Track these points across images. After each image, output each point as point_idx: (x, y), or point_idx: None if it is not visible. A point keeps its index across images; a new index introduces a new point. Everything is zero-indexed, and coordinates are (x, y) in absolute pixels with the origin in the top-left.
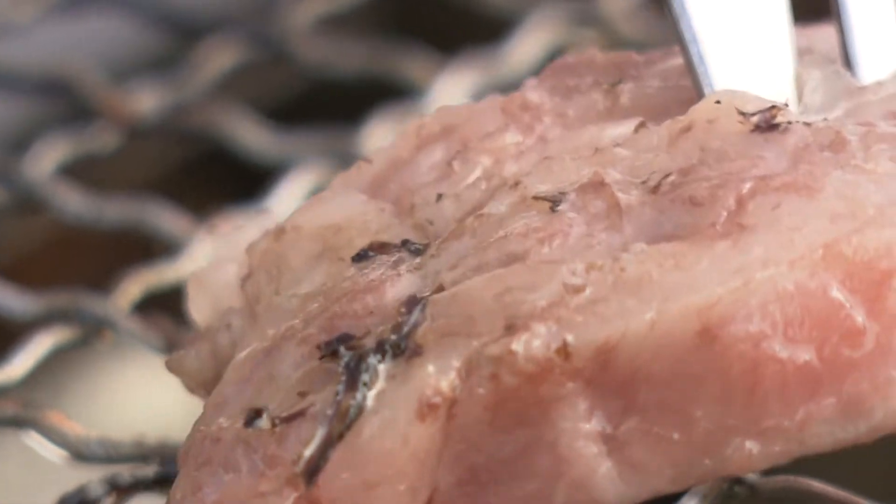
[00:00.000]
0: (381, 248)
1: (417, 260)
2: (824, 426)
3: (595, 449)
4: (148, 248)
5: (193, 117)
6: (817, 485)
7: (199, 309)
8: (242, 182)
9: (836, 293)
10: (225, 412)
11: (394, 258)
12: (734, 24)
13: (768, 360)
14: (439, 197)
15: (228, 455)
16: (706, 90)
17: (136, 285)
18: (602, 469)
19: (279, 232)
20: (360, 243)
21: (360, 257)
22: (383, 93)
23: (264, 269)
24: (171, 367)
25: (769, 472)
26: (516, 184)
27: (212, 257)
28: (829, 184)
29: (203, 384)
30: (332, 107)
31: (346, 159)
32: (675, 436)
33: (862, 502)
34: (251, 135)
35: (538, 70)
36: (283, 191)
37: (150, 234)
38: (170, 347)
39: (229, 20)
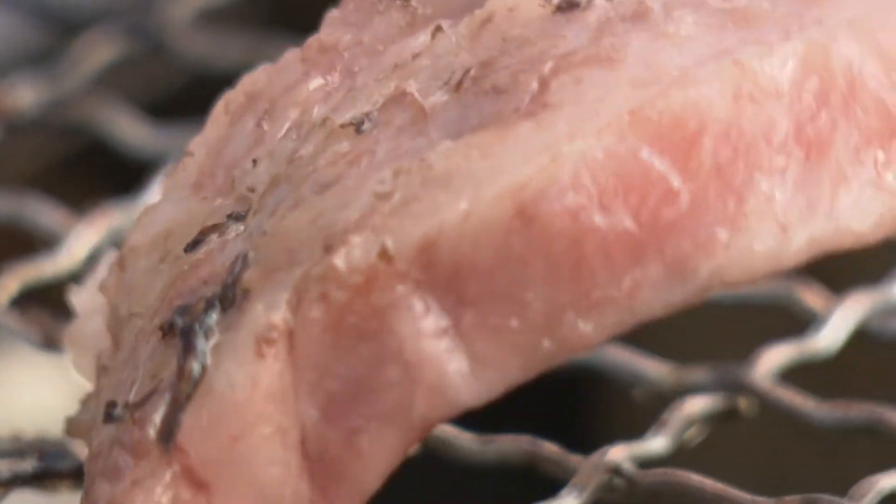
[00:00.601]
0: (210, 230)
1: (241, 225)
2: (652, 291)
3: (441, 347)
4: (29, 243)
5: (72, 112)
6: (695, 477)
7: (83, 369)
8: (121, 176)
9: (647, 156)
10: (96, 430)
11: (221, 232)
12: None
13: (588, 231)
14: (255, 162)
15: (106, 462)
16: None
17: (13, 280)
18: (452, 367)
19: (120, 260)
20: (191, 236)
21: (192, 245)
22: None
23: (117, 299)
24: (70, 432)
25: (647, 464)
26: (324, 121)
27: (76, 316)
28: (631, 53)
29: None
30: (211, 101)
31: None
32: (513, 323)
33: (738, 494)
34: (130, 129)
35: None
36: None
37: (28, 228)
38: (48, 343)
39: (108, 14)
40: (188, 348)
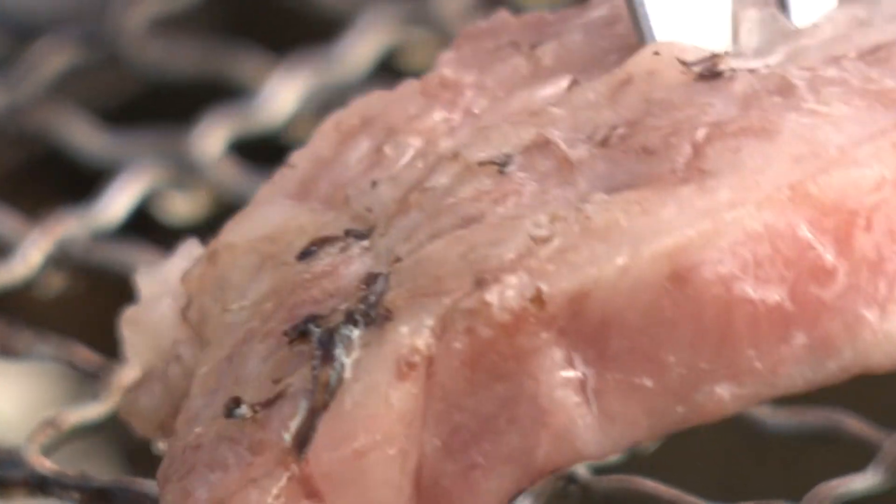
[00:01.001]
0: (323, 242)
1: (365, 243)
2: (796, 367)
3: (575, 398)
4: None
5: (27, 119)
6: (650, 483)
7: (137, 351)
8: (76, 183)
9: (805, 233)
10: (199, 422)
11: (340, 246)
12: None
13: (740, 301)
14: (374, 184)
15: (213, 455)
16: (648, 37)
17: None
18: (583, 419)
19: (212, 255)
20: (301, 244)
21: (305, 255)
22: (216, 94)
23: (206, 293)
24: (124, 412)
25: (602, 470)
26: (455, 155)
27: (140, 297)
28: (787, 126)
29: (160, 425)
30: (165, 108)
31: (179, 160)
32: (649, 383)
33: (694, 500)
34: (85, 136)
35: (372, 71)
36: (116, 192)
37: None
38: (3, 350)
39: (63, 21)
40: (327, 358)
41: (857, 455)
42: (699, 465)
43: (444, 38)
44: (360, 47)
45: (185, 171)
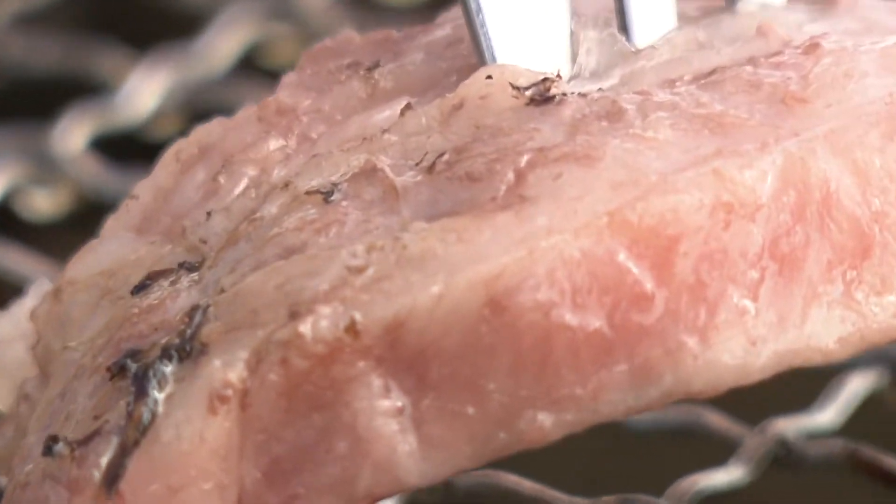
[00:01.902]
0: (158, 275)
1: (195, 275)
2: (617, 393)
3: (394, 427)
4: None
5: None
6: (512, 478)
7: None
8: None
9: (623, 259)
10: (30, 460)
11: (171, 280)
12: None
13: (558, 328)
14: (209, 215)
15: (36, 493)
16: (489, 58)
17: None
18: (403, 447)
19: (56, 291)
20: (137, 278)
21: (139, 288)
22: (78, 90)
23: (49, 330)
24: None
25: None
26: (286, 185)
27: None
28: (609, 153)
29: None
30: (26, 104)
31: (40, 157)
32: (470, 410)
33: (555, 494)
34: None
35: (234, 67)
36: None
37: None
38: None
39: None
40: (140, 394)
41: (718, 450)
42: (561, 459)
43: (307, 33)
44: (222, 43)
45: (47, 168)
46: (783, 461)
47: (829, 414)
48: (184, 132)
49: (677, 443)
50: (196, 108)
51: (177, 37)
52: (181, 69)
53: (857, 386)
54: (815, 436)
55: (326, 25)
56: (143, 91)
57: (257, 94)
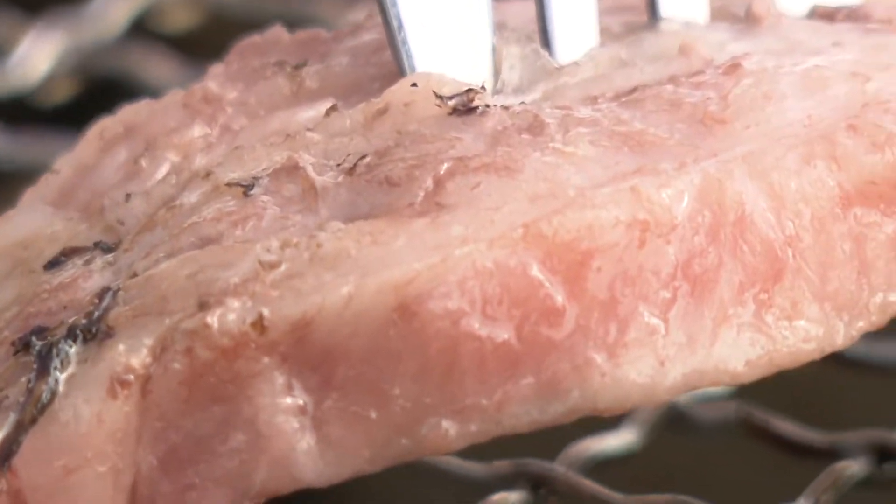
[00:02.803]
0: (72, 252)
1: (110, 257)
2: (522, 406)
3: (295, 425)
4: None
5: None
6: None
7: None
8: None
9: (536, 272)
10: None
11: (86, 258)
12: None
13: (466, 337)
14: (128, 196)
15: None
16: (408, 69)
17: None
18: (301, 446)
19: None
20: (51, 253)
21: (52, 264)
22: None
23: None
24: None
25: None
26: (208, 174)
27: None
28: (529, 165)
29: None
30: None
31: None
32: (373, 414)
33: (451, 460)
34: None
35: (126, 31)
36: None
37: None
38: None
39: None
40: (42, 372)
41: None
42: None
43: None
44: (115, 8)
45: None
46: (676, 425)
47: None
48: (76, 97)
49: None
50: (89, 72)
51: (69, 1)
52: (74, 33)
53: None
54: (709, 400)
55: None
56: (36, 55)
57: (150, 58)
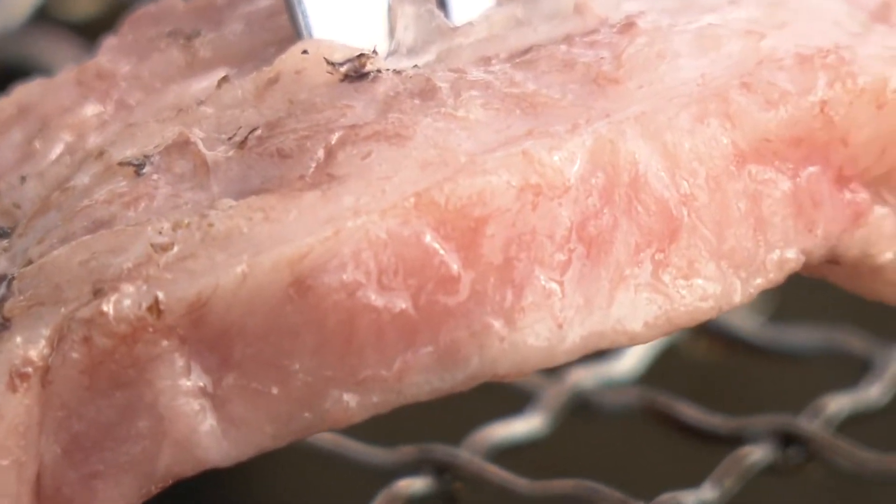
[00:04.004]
0: None
1: (5, 242)
2: (422, 375)
3: (196, 406)
4: None
5: None
6: None
7: None
8: None
9: (430, 241)
10: None
11: None
12: None
13: (363, 309)
14: (23, 179)
15: None
16: (305, 32)
17: None
18: (204, 426)
19: None
20: None
21: None
22: None
23: None
24: None
25: None
26: (101, 154)
27: None
28: (420, 132)
29: None
30: None
31: None
32: (274, 390)
33: (353, 445)
34: None
35: (30, 19)
36: None
37: None
38: None
39: None
40: None
41: (516, 399)
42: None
43: None
44: None
45: None
46: (581, 411)
47: (627, 363)
48: None
49: (475, 393)
50: None
51: None
52: None
53: None
54: (614, 386)
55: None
56: None
57: (55, 46)
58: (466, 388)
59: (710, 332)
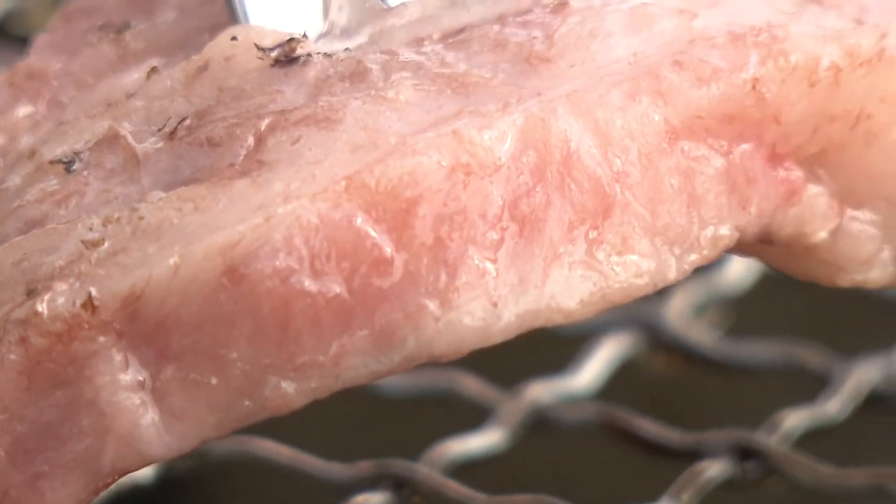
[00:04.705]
0: None
1: None
2: (359, 358)
3: (136, 400)
4: None
5: None
6: (268, 444)
7: None
8: None
9: (362, 223)
10: None
11: None
12: None
13: (297, 294)
14: None
15: None
16: (241, 16)
17: None
18: (146, 420)
19: None
20: None
21: None
22: None
23: None
24: None
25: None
26: (32, 153)
27: None
28: (349, 114)
29: None
30: None
31: None
32: (213, 380)
33: (311, 461)
34: None
35: None
36: None
37: None
38: None
39: None
40: None
41: (473, 414)
42: (314, 424)
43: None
44: None
45: None
46: (539, 426)
47: (584, 378)
48: None
49: (433, 407)
50: None
51: None
52: None
53: (613, 351)
54: (572, 400)
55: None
56: None
57: (10, 62)
58: (404, 370)
59: (667, 347)
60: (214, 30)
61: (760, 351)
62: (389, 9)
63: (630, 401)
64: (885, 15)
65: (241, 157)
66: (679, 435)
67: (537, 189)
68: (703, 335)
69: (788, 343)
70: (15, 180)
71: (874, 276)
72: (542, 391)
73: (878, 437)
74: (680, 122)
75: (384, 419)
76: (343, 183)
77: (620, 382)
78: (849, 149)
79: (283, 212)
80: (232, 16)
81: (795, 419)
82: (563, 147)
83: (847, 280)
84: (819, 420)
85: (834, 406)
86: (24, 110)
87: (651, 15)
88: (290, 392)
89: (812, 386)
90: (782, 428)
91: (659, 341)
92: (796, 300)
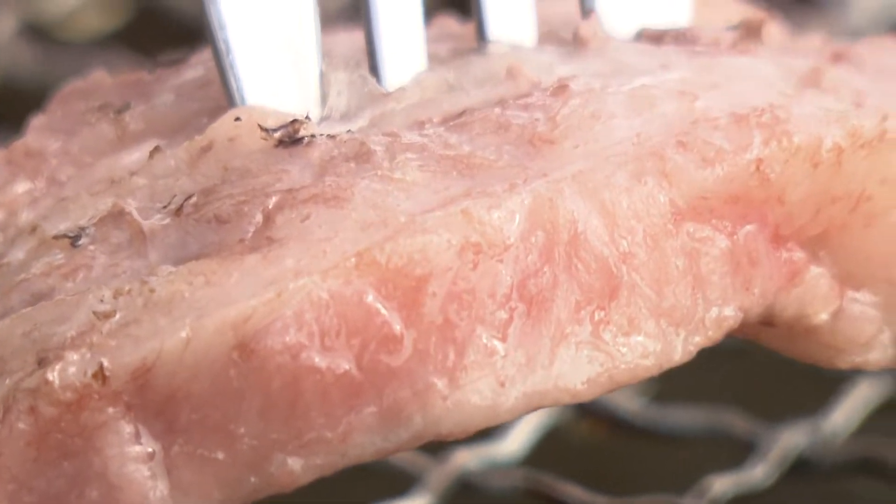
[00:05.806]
0: None
1: None
2: (366, 436)
3: (145, 473)
4: None
5: None
6: None
7: None
8: None
9: (372, 300)
10: None
11: None
12: (264, 28)
13: (307, 370)
14: None
15: None
16: (238, 100)
17: None
18: (154, 494)
19: None
20: None
21: None
22: None
23: None
24: None
25: None
26: (34, 229)
27: None
28: (358, 193)
29: None
30: None
31: None
32: (220, 455)
33: None
34: None
35: None
36: None
37: None
38: None
39: None
40: None
41: (399, 482)
42: None
43: None
44: None
45: None
46: (466, 493)
47: (511, 445)
48: None
49: (358, 474)
50: None
51: None
52: None
53: (539, 418)
54: (498, 467)
55: (7, 58)
56: None
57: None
58: (411, 448)
59: (593, 413)
60: (213, 113)
61: (686, 417)
62: (388, 93)
63: (556, 467)
64: (883, 98)
65: (251, 234)
66: (605, 501)
67: (545, 269)
68: (628, 402)
69: (714, 410)
70: (17, 255)
71: (874, 357)
72: (468, 457)
73: (804, 502)
74: (685, 202)
75: (311, 487)
76: (353, 260)
77: (547, 449)
78: (849, 230)
79: (293, 287)
80: (229, 100)
81: (722, 485)
82: (571, 227)
83: (847, 362)
84: (745, 486)
85: (760, 472)
86: (22, 186)
87: (652, 97)
88: (296, 469)
89: (738, 452)
90: (709, 494)
91: (585, 408)
92: (722, 366)
